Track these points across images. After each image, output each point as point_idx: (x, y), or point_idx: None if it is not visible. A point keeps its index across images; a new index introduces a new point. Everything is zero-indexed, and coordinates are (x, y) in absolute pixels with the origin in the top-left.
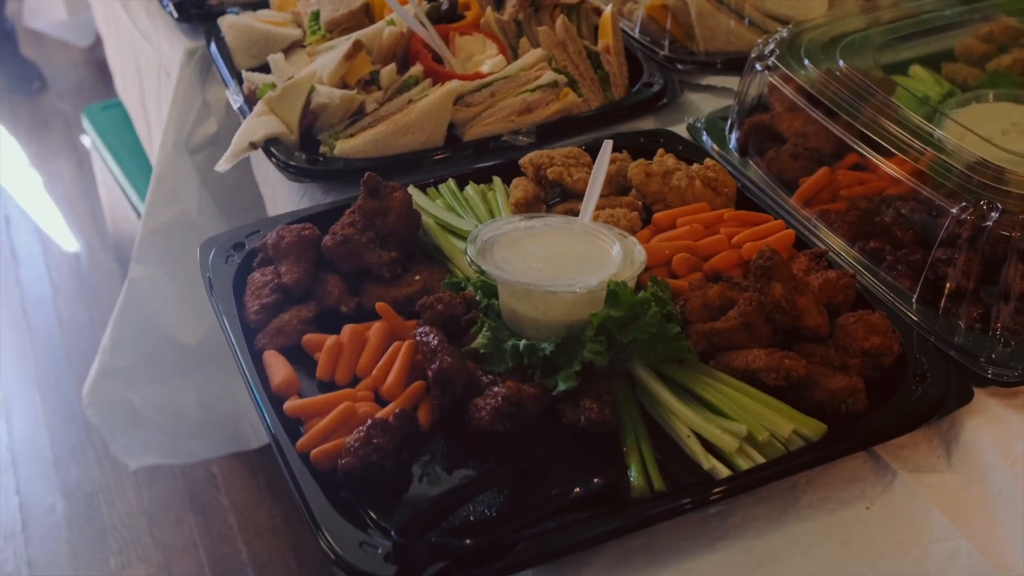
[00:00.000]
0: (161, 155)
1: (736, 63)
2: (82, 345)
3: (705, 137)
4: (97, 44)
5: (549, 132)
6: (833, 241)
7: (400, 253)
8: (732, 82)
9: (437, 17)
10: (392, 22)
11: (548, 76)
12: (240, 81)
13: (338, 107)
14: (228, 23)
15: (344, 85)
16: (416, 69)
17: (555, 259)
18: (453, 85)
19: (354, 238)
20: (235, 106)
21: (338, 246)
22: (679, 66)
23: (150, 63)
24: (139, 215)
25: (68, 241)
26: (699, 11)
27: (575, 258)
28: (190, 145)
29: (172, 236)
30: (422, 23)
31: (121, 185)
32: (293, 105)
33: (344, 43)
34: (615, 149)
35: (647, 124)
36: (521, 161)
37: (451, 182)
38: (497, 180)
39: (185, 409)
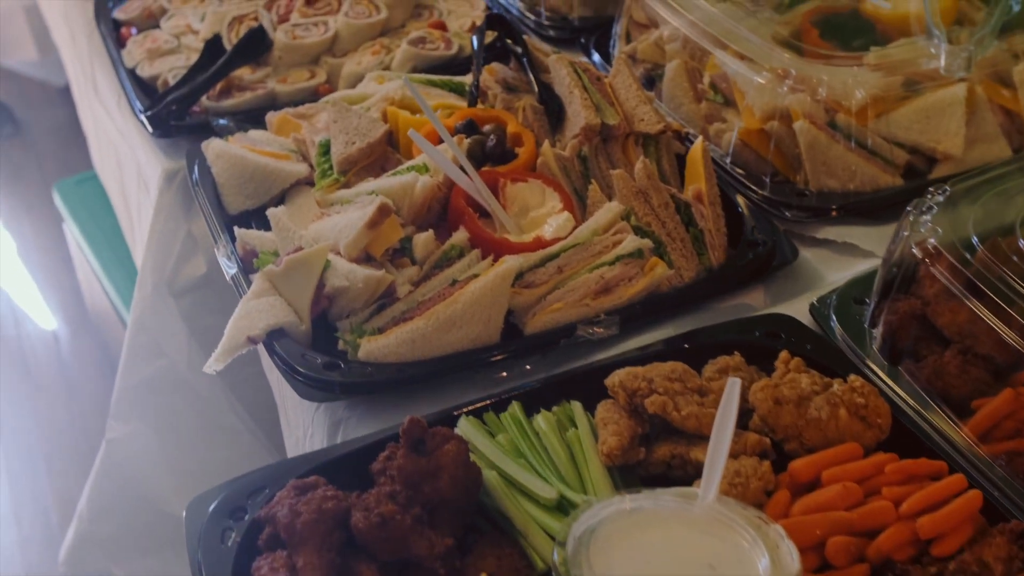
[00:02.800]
0: (139, 299)
1: (856, 208)
2: (64, 455)
3: (834, 323)
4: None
5: (634, 318)
6: None
7: (457, 536)
8: (854, 234)
9: (482, 156)
10: (425, 168)
11: (630, 242)
12: (232, 236)
13: (361, 291)
14: (215, 151)
15: (367, 256)
16: (460, 237)
17: (677, 567)
18: (512, 264)
19: (395, 518)
20: (227, 274)
21: (374, 530)
22: (786, 212)
23: (128, 161)
24: (117, 313)
25: (45, 319)
26: (810, 142)
27: (704, 566)
28: (174, 288)
29: (156, 391)
30: (463, 170)
31: (99, 276)
32: (302, 285)
33: (366, 200)
34: (722, 348)
35: (754, 299)
36: (609, 385)
37: (516, 407)
38: (578, 407)
39: None
